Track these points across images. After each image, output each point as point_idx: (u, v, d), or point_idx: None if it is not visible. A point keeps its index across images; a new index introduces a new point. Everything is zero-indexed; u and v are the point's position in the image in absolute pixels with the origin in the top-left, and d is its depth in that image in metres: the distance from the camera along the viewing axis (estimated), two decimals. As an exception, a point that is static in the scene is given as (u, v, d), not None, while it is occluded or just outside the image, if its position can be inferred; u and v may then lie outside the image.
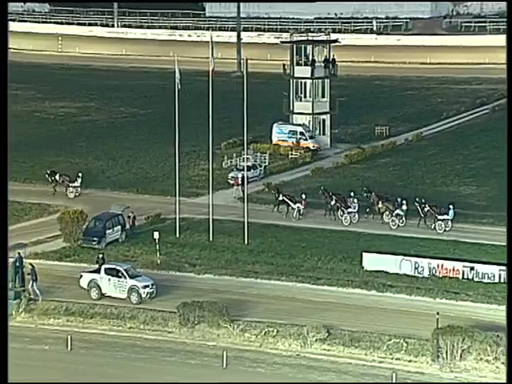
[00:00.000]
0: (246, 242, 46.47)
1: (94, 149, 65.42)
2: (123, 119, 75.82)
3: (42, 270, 40.91)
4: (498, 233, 46.11)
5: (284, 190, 52.45)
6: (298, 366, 35.33)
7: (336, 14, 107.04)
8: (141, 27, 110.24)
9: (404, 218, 48.42)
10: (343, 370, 34.98)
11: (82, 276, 40.82)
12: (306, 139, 65.80)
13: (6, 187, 29.20)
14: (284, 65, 68.52)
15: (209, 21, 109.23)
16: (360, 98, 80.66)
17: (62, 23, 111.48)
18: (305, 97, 67.16)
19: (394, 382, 33.74)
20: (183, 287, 41.18)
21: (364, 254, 43.60)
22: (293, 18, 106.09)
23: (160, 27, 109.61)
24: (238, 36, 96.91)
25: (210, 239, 46.82)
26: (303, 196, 50.68)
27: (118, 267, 40.71)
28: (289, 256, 44.93)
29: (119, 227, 46.72)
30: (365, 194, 50.28)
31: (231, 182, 55.96)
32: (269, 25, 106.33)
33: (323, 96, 67.18)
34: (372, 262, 43.14)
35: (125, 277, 40.12)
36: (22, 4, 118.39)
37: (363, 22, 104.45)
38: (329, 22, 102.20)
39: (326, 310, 38.95)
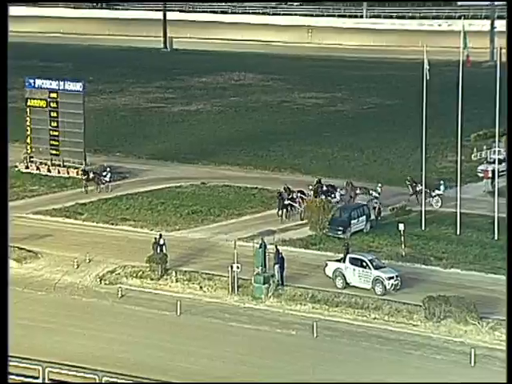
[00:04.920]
0: (496, 238, 44.75)
1: (340, 139, 65.74)
2: (369, 110, 75.60)
3: (288, 257, 41.58)
4: None
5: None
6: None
7: None
8: (390, 17, 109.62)
9: None
10: None
11: (327, 264, 41.09)
12: None
13: (6, 185, 29.37)
14: (542, 53, 65.28)
15: (461, 9, 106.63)
16: None
17: (311, 15, 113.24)
18: None
19: None
20: (428, 281, 40.28)
21: None
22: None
23: (409, 17, 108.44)
24: (492, 24, 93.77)
25: (457, 233, 45.55)
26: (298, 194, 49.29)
27: (362, 257, 40.58)
28: (544, 254, 42.75)
29: (364, 217, 46.57)
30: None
31: (481, 175, 54.20)
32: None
33: None
34: None
35: (369, 267, 39.90)
36: None
37: None
38: None
39: None
